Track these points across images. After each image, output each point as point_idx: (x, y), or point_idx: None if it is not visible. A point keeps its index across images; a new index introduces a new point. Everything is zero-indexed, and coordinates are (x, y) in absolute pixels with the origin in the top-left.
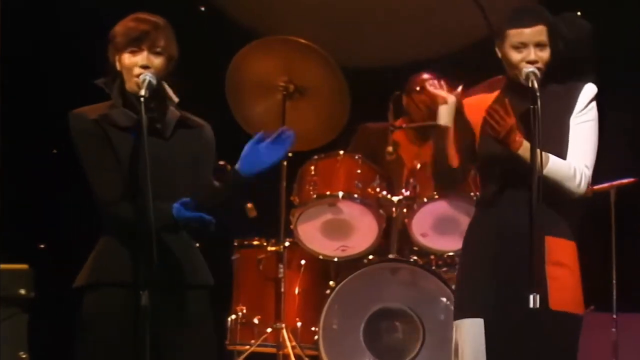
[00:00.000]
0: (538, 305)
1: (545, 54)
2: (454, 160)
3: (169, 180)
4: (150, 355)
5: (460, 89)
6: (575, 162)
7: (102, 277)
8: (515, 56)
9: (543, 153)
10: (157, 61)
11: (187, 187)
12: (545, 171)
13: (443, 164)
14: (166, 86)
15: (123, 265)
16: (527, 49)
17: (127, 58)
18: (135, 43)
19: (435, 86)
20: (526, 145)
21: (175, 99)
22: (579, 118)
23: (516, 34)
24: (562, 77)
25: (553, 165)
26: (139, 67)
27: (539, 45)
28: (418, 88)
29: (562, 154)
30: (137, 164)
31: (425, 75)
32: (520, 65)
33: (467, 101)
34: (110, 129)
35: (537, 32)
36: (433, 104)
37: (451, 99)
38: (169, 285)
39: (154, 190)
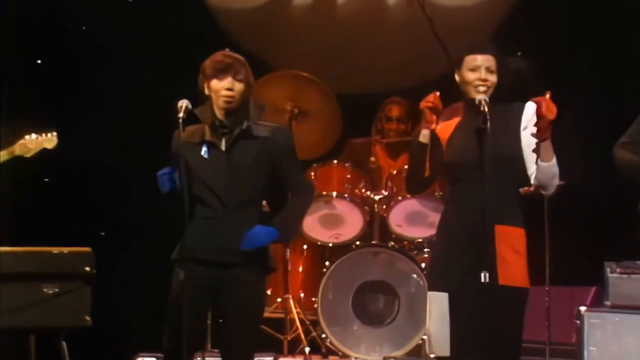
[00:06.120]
0: (487, 281)
1: (492, 78)
2: (427, 171)
3: (229, 185)
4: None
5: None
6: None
7: (181, 254)
8: (470, 76)
9: (550, 152)
10: (239, 86)
11: (248, 190)
12: (550, 164)
13: (419, 174)
14: (251, 107)
15: (197, 244)
16: (479, 70)
17: (215, 84)
18: (222, 72)
19: (432, 108)
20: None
21: (259, 115)
22: (534, 129)
23: (471, 59)
24: (508, 98)
25: (553, 164)
26: (225, 89)
27: (488, 69)
28: (388, 116)
29: (515, 155)
30: (198, 170)
31: (395, 110)
32: (474, 82)
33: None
34: (187, 145)
35: (487, 59)
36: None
37: (433, 126)
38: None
39: (218, 194)
